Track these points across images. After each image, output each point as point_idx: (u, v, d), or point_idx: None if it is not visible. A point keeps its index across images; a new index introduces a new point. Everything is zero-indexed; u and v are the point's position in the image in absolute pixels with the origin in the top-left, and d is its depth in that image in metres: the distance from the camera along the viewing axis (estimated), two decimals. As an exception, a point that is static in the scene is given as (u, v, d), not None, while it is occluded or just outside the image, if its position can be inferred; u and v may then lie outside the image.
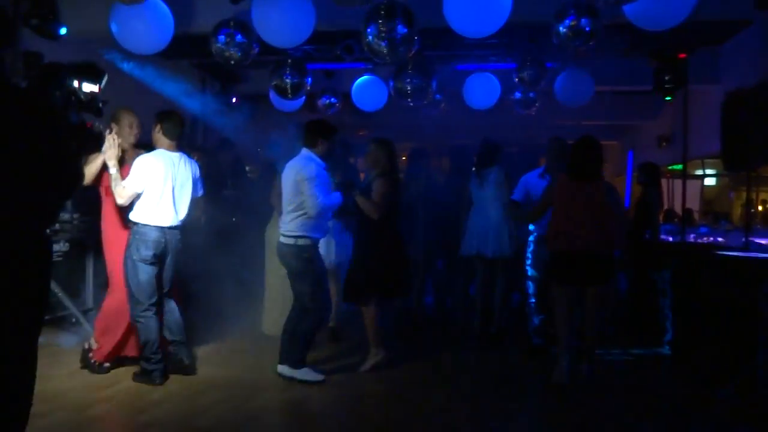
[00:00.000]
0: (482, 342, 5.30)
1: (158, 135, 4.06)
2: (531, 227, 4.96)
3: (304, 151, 4.19)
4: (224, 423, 3.45)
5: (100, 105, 2.87)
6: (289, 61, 6.27)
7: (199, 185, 4.25)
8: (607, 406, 3.90)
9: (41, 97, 2.21)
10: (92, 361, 4.19)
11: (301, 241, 4.05)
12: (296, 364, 4.08)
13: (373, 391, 4.05)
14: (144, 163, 3.93)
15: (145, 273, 3.94)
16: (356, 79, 7.20)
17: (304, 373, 4.08)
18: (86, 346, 4.28)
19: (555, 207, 4.19)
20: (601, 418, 3.68)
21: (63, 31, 4.44)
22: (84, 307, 5.58)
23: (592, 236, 4.05)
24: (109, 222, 4.21)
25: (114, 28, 4.49)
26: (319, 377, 4.10)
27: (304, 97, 7.09)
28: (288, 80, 6.37)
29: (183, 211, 4.10)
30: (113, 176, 3.84)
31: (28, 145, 2.00)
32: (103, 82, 3.32)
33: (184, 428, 3.36)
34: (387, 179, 4.33)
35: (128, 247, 3.97)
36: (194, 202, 4.19)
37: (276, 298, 5.08)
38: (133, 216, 3.97)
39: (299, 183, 4.02)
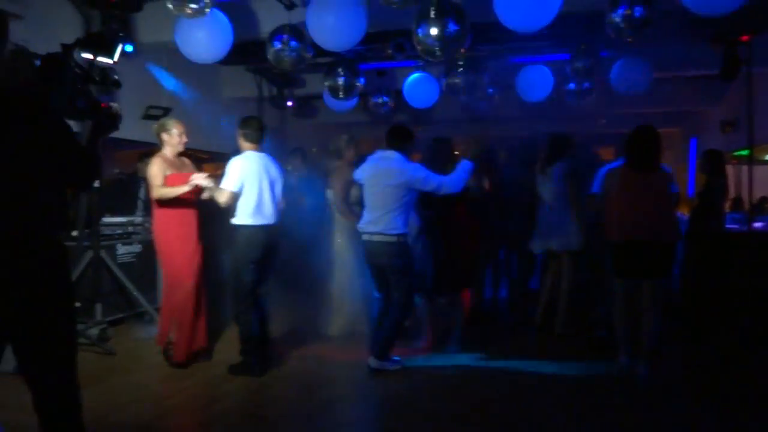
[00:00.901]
0: (545, 335, 5.28)
1: (241, 140, 4.27)
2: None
3: (391, 153, 4.28)
4: (294, 413, 3.62)
5: (116, 78, 2.70)
6: (342, 62, 6.41)
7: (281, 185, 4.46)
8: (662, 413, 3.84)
9: (36, 96, 2.12)
10: (173, 359, 4.42)
11: (402, 239, 4.23)
12: (385, 356, 4.29)
13: (440, 381, 4.15)
14: (236, 165, 4.13)
15: (250, 273, 4.15)
16: (408, 77, 7.28)
17: (393, 364, 4.30)
18: (167, 341, 4.51)
19: (614, 197, 4.13)
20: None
21: (129, 48, 4.74)
22: (156, 305, 5.91)
23: (653, 227, 4.00)
24: (160, 225, 4.39)
25: (178, 39, 4.74)
26: (403, 364, 4.35)
27: (357, 97, 7.22)
28: (341, 81, 6.54)
29: (277, 210, 4.29)
30: (211, 188, 4.11)
31: (27, 146, 1.98)
32: (117, 53, 3.14)
33: (255, 418, 3.55)
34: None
35: (233, 246, 4.19)
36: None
37: (343, 300, 5.21)
38: (235, 220, 4.17)
39: (412, 183, 4.15)
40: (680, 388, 4.06)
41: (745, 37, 6.17)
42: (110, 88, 3.12)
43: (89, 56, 2.68)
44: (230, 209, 4.20)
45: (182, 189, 4.18)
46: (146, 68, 6.52)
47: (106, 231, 5.52)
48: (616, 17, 4.23)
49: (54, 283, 2.06)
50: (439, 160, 4.63)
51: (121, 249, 5.72)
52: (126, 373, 4.33)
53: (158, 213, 4.37)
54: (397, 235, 4.20)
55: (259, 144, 4.26)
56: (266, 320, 4.38)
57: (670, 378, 4.21)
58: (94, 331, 4.89)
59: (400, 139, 4.33)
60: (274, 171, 4.32)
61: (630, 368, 4.12)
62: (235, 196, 4.11)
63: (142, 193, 6.43)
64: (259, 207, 4.16)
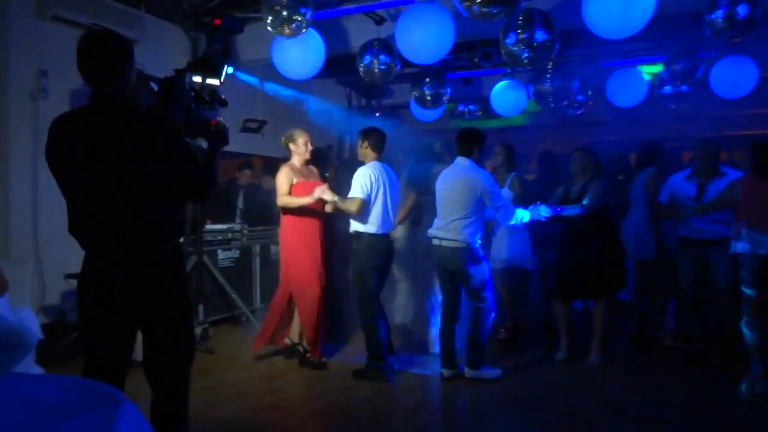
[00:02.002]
0: (634, 345, 5.13)
1: (366, 150, 4.43)
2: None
3: (464, 160, 4.34)
4: (381, 414, 3.74)
5: (223, 97, 2.93)
6: (429, 72, 6.51)
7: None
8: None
9: (159, 115, 2.38)
10: (310, 358, 4.65)
11: (472, 246, 4.27)
12: (477, 365, 4.34)
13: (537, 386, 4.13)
14: (365, 174, 4.32)
15: (374, 279, 4.32)
16: (495, 84, 7.26)
17: (487, 372, 4.34)
18: (288, 342, 4.79)
19: (744, 206, 3.98)
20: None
21: (230, 70, 5.10)
22: (252, 307, 6.25)
23: None
24: (286, 232, 4.66)
25: (274, 58, 5.02)
26: (499, 372, 4.38)
27: (444, 106, 7.29)
28: (428, 91, 6.64)
29: (394, 218, 4.48)
30: (338, 202, 4.33)
31: (151, 161, 2.18)
32: (223, 75, 3.34)
33: (348, 417, 3.70)
34: (602, 181, 4.69)
35: (357, 256, 4.39)
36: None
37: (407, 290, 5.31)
38: (359, 228, 4.36)
39: (483, 196, 4.21)
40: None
41: None
42: (217, 107, 3.36)
43: (199, 79, 2.94)
44: (347, 218, 4.41)
45: (305, 200, 4.40)
46: (242, 84, 6.91)
47: (208, 237, 5.90)
48: (716, 18, 4.05)
49: (172, 284, 2.28)
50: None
51: (221, 254, 6.08)
52: (225, 371, 4.61)
53: (284, 220, 4.64)
54: (469, 243, 4.22)
55: (380, 153, 4.43)
56: (389, 326, 4.52)
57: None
58: (197, 331, 5.25)
59: (469, 143, 4.35)
60: (394, 181, 4.49)
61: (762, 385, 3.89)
62: (366, 205, 4.27)
63: (240, 202, 6.81)
64: (382, 215, 4.32)
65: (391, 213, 4.40)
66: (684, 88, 6.88)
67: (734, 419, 3.63)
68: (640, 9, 3.85)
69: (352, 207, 4.25)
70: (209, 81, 2.88)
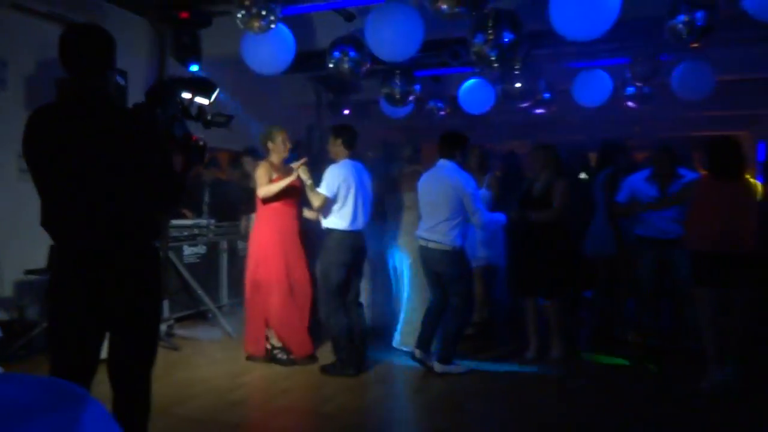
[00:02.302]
0: (598, 341, 5.25)
1: (338, 147, 4.44)
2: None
3: (446, 162, 4.41)
4: (346, 409, 3.76)
5: (209, 117, 2.98)
6: (398, 70, 6.53)
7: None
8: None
9: (145, 114, 2.33)
10: (282, 357, 4.62)
11: (458, 248, 4.34)
12: (448, 360, 4.41)
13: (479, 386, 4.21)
14: (335, 171, 4.34)
15: (339, 276, 4.32)
16: (463, 83, 7.33)
17: (456, 368, 4.42)
18: (268, 347, 4.70)
19: (697, 207, 4.09)
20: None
21: (195, 68, 5.07)
22: (219, 303, 6.20)
23: (738, 236, 3.94)
24: (260, 226, 4.65)
25: (244, 53, 4.97)
26: (468, 368, 4.46)
27: (413, 103, 7.32)
28: (397, 88, 6.66)
29: (367, 215, 4.48)
30: (309, 186, 4.31)
31: (133, 160, 2.16)
32: (213, 97, 3.40)
33: (313, 413, 3.72)
34: (565, 181, 4.72)
35: (324, 251, 4.38)
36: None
37: (416, 309, 5.07)
38: (328, 223, 4.38)
39: (461, 196, 4.27)
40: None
41: (815, 39, 5.93)
42: (203, 125, 3.40)
43: (188, 95, 2.99)
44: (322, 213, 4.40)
45: (286, 181, 4.41)
46: (210, 78, 6.83)
47: (174, 233, 5.83)
48: (677, 24, 4.18)
49: (146, 285, 2.27)
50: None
51: (187, 250, 6.02)
52: (190, 368, 4.58)
53: (259, 218, 4.65)
54: (454, 245, 4.31)
55: (351, 150, 4.45)
56: (360, 321, 4.50)
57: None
58: (162, 328, 5.19)
59: (452, 146, 4.42)
60: (366, 178, 4.50)
61: (725, 383, 4.00)
62: (329, 202, 4.29)
63: (206, 197, 6.74)
64: (351, 212, 4.34)
65: (362, 211, 4.40)
66: (646, 89, 7.06)
67: (691, 412, 3.76)
68: (604, 12, 3.94)
69: (316, 201, 4.28)
70: (198, 99, 2.92)
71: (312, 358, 4.66)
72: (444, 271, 4.36)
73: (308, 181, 4.32)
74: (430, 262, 4.42)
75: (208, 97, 3.21)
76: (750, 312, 4.15)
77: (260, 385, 4.24)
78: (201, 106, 2.77)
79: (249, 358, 4.70)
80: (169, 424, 3.40)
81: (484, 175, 5.33)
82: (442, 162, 4.43)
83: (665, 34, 4.52)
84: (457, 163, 4.40)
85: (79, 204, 2.14)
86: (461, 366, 4.45)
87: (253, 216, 5.86)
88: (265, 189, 4.50)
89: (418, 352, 4.45)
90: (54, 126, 2.15)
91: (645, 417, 3.68)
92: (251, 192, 5.72)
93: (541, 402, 3.94)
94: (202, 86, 3.03)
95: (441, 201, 4.31)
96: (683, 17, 4.13)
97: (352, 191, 4.34)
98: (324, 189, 4.30)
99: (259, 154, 5.84)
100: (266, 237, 4.59)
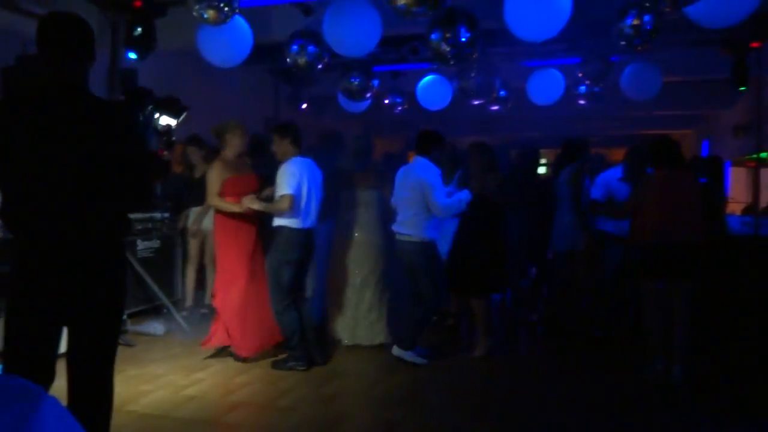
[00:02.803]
0: (554, 333, 5.40)
1: (286, 146, 4.37)
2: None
3: (420, 158, 4.55)
4: (304, 402, 3.79)
5: (173, 139, 3.00)
6: (356, 65, 6.55)
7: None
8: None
9: (127, 112, 2.35)
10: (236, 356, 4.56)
11: (427, 240, 4.47)
12: (406, 346, 4.51)
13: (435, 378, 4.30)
14: (290, 169, 4.29)
15: (290, 273, 4.31)
16: (421, 79, 7.40)
17: (412, 356, 4.51)
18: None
19: (644, 202, 4.22)
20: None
21: (132, 56, 5.01)
22: (174, 298, 6.11)
23: (686, 226, 4.08)
24: (219, 222, 4.57)
25: (200, 44, 4.90)
26: (424, 361, 4.53)
27: (371, 98, 7.35)
28: (355, 83, 6.68)
29: (317, 212, 4.46)
30: (266, 208, 4.30)
31: (109, 153, 2.14)
32: (182, 118, 3.38)
33: (268, 407, 3.73)
34: (496, 176, 4.78)
35: (274, 249, 4.34)
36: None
37: (356, 304, 5.09)
38: (280, 221, 4.31)
39: (424, 189, 4.38)
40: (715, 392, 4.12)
41: (755, 44, 6.23)
42: (166, 144, 3.38)
43: (156, 114, 2.99)
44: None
45: (234, 209, 4.36)
46: (161, 68, 6.69)
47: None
48: (625, 26, 4.33)
49: (110, 285, 2.25)
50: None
51: (141, 244, 5.91)
52: (144, 364, 4.51)
53: (217, 216, 4.57)
54: (423, 238, 4.44)
55: (300, 148, 4.40)
56: (308, 316, 4.52)
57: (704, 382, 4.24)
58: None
59: (425, 144, 4.57)
60: (318, 176, 4.48)
61: (664, 373, 4.16)
62: (295, 200, 4.22)
63: (158, 190, 6.60)
64: (304, 210, 4.32)
65: (314, 208, 4.40)
66: (597, 88, 7.28)
67: (634, 399, 3.94)
68: (556, 14, 4.06)
69: (283, 205, 4.22)
70: (165, 119, 2.92)
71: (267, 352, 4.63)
72: (413, 261, 4.49)
73: (263, 207, 4.30)
74: (403, 255, 4.55)
75: (176, 117, 3.22)
76: (694, 303, 4.29)
77: (217, 380, 4.22)
78: (168, 127, 2.81)
79: (244, 360, 4.53)
80: (124, 421, 3.36)
81: (453, 172, 5.31)
82: (417, 158, 4.59)
83: (615, 36, 4.69)
84: (430, 159, 4.51)
85: (48, 196, 2.09)
86: (418, 358, 4.53)
87: (195, 211, 5.80)
88: (214, 202, 4.43)
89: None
90: (26, 116, 2.10)
91: (592, 404, 3.83)
92: (195, 184, 5.62)
93: (495, 393, 4.05)
94: (171, 107, 3.06)
95: (411, 195, 4.46)
96: (631, 20, 4.29)
97: (305, 189, 4.31)
98: (286, 189, 4.23)
99: (205, 142, 5.74)
100: (223, 234, 4.53)
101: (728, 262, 5.16)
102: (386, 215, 5.02)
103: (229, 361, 4.54)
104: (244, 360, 4.51)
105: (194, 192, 5.62)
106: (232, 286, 4.48)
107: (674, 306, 4.17)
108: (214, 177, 4.42)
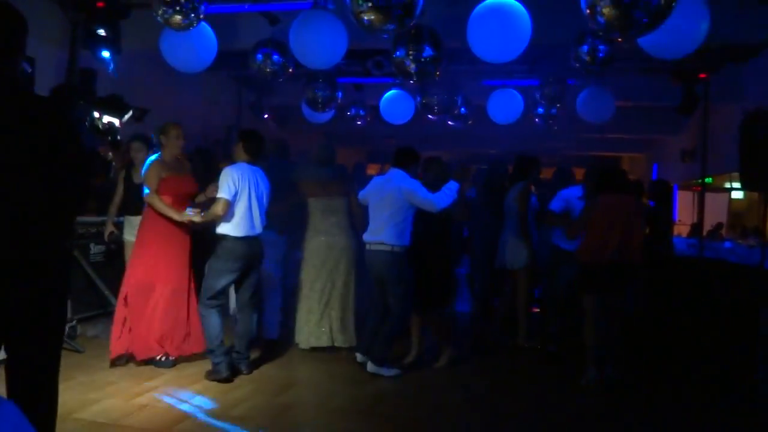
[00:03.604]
0: (500, 350, 5.50)
1: (239, 151, 4.35)
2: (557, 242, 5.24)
3: (396, 170, 4.61)
4: (257, 412, 3.77)
5: (118, 138, 2.82)
6: (321, 75, 6.60)
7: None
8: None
9: (62, 109, 2.22)
10: (164, 360, 4.51)
11: (397, 249, 4.47)
12: (381, 362, 4.51)
13: (396, 389, 4.34)
14: (226, 173, 4.22)
15: (225, 280, 4.25)
16: (385, 93, 7.51)
17: (388, 370, 4.52)
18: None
19: (593, 223, 4.45)
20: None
21: (106, 54, 4.93)
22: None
23: (630, 248, 4.37)
24: (146, 222, 4.49)
25: (163, 48, 4.87)
26: (397, 372, 4.56)
27: (334, 110, 7.41)
28: (319, 93, 6.73)
29: (263, 221, 4.37)
30: (203, 219, 4.26)
31: (43, 151, 2.03)
32: (125, 117, 3.23)
33: (221, 416, 3.69)
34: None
35: (215, 256, 4.26)
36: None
37: (312, 310, 5.15)
38: (221, 229, 4.24)
39: (406, 196, 4.42)
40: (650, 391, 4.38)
41: (702, 75, 6.58)
42: (110, 142, 3.21)
43: (97, 114, 2.84)
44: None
45: (173, 216, 4.30)
46: (124, 70, 6.61)
47: (80, 230, 5.56)
48: (581, 53, 4.52)
49: (52, 294, 2.15)
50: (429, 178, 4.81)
51: (94, 248, 5.77)
52: (94, 370, 4.40)
53: (146, 213, 4.48)
54: (393, 245, 4.45)
55: (254, 157, 4.35)
56: (246, 335, 4.42)
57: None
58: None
59: (405, 159, 4.65)
60: (263, 184, 4.39)
61: (599, 378, 4.43)
62: (230, 204, 4.16)
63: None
64: (245, 217, 4.23)
65: (256, 216, 4.31)
66: (553, 110, 7.53)
67: (581, 408, 4.07)
68: (516, 37, 4.21)
69: (217, 209, 4.16)
70: (108, 119, 2.77)
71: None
72: (383, 272, 4.50)
73: (202, 220, 4.28)
74: (373, 265, 4.57)
75: (119, 116, 3.07)
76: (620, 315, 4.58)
77: (169, 388, 4.14)
78: (111, 125, 2.66)
79: (114, 363, 4.47)
80: (72, 430, 3.28)
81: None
82: (393, 170, 4.64)
83: (571, 61, 4.89)
84: (407, 173, 4.59)
85: None
86: (392, 370, 4.55)
87: (110, 221, 5.33)
88: (151, 199, 4.35)
89: (360, 357, 4.63)
90: None
91: (540, 409, 3.94)
92: (135, 188, 5.09)
93: (449, 403, 4.11)
94: (113, 106, 2.89)
95: (385, 204, 4.49)
96: (587, 47, 4.47)
97: (244, 195, 4.22)
98: (221, 193, 4.16)
99: (151, 142, 5.56)
100: (151, 237, 4.45)
101: (673, 282, 5.39)
102: (353, 222, 5.14)
103: (183, 369, 4.48)
104: (143, 363, 4.47)
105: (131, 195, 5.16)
106: (146, 291, 4.40)
107: (608, 318, 4.49)
108: (152, 175, 4.35)
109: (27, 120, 2.03)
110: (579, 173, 6.99)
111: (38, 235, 2.08)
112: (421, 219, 4.59)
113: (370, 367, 4.53)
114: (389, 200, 4.49)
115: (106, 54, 5.04)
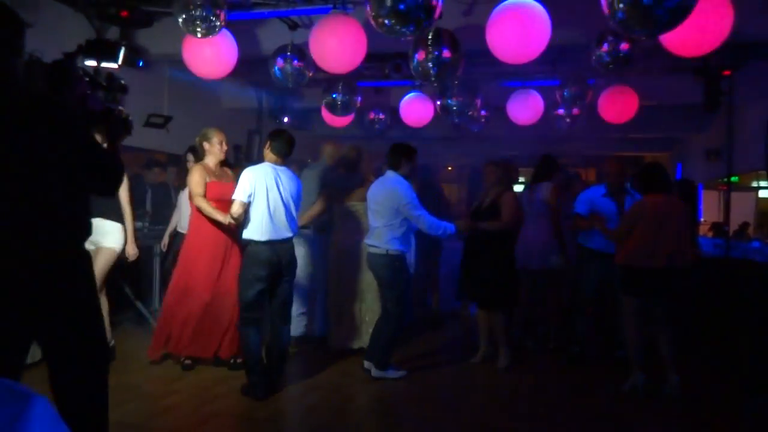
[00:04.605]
0: (523, 351, 5.46)
1: (267, 151, 4.27)
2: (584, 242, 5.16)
3: (391, 173, 4.58)
4: (282, 414, 3.80)
5: (122, 82, 2.72)
6: (340, 80, 6.63)
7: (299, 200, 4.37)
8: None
9: (56, 99, 2.13)
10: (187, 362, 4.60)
11: (392, 252, 4.46)
12: (384, 366, 4.52)
13: (409, 391, 4.34)
14: (244, 175, 4.11)
15: (255, 290, 4.04)
16: (404, 96, 7.52)
17: (392, 373, 4.54)
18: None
19: (638, 227, 4.28)
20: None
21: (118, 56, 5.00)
22: (151, 307, 6.07)
23: (679, 251, 4.19)
24: (192, 229, 4.56)
25: (186, 55, 4.94)
26: (404, 373, 4.59)
27: (354, 113, 7.44)
28: (339, 97, 6.77)
29: (292, 224, 4.21)
30: (222, 220, 4.23)
31: (56, 151, 2.00)
32: (120, 58, 3.05)
33: (246, 418, 3.73)
34: (512, 193, 4.82)
35: (243, 263, 4.19)
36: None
37: (359, 309, 5.17)
38: (245, 234, 4.13)
39: (400, 207, 4.41)
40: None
41: (726, 72, 6.47)
42: (117, 93, 3.16)
43: (93, 63, 2.70)
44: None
45: (219, 218, 4.26)
46: (147, 78, 6.72)
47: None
48: (601, 53, 4.48)
49: (78, 292, 2.13)
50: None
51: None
52: (121, 373, 4.47)
53: (195, 217, 4.51)
54: (388, 249, 4.45)
55: (282, 157, 4.22)
56: (278, 339, 4.22)
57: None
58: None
59: (397, 157, 4.59)
60: (289, 185, 4.19)
61: (646, 385, 4.29)
62: (246, 207, 4.08)
63: (148, 202, 6.59)
64: (264, 222, 4.06)
65: (280, 219, 4.10)
66: (575, 110, 7.47)
67: (613, 414, 4.02)
68: (536, 38, 4.19)
69: (232, 210, 4.09)
70: (105, 65, 2.65)
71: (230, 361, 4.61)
72: (379, 274, 4.53)
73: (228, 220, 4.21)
74: (372, 267, 4.60)
75: (115, 59, 2.92)
76: (673, 320, 4.40)
77: (194, 390, 4.20)
78: (110, 73, 2.56)
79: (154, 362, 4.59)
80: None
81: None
82: (388, 172, 4.62)
83: (591, 60, 4.85)
84: (401, 174, 4.56)
85: None
86: (398, 372, 4.57)
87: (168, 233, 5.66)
88: (198, 202, 4.37)
89: (368, 364, 4.59)
90: None
91: (573, 415, 3.90)
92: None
93: (472, 404, 4.10)
94: (104, 48, 2.73)
95: (381, 208, 4.50)
96: (608, 46, 4.43)
97: (262, 198, 4.06)
98: (236, 195, 4.08)
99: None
100: (198, 241, 4.49)
101: (699, 283, 5.30)
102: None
103: (207, 372, 4.53)
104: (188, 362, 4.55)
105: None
106: (191, 298, 4.44)
107: (657, 324, 4.31)
108: (197, 178, 4.38)
109: (35, 120, 2.01)
110: (585, 173, 6.94)
111: (58, 234, 2.06)
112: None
113: (375, 372, 4.52)
114: (383, 204, 4.49)
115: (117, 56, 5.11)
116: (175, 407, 3.88)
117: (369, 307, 5.10)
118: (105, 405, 2.23)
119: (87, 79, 2.35)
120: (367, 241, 4.62)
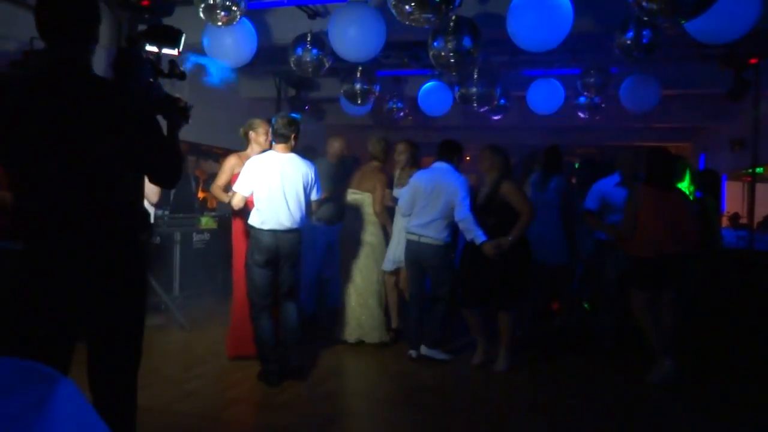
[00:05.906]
0: (537, 346, 5.39)
1: (273, 138, 4.23)
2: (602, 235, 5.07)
3: (443, 165, 4.67)
4: (300, 400, 3.85)
5: (182, 69, 2.68)
6: (360, 69, 6.62)
7: (317, 187, 4.24)
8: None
9: (125, 87, 2.13)
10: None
11: (447, 243, 4.66)
12: (434, 344, 4.70)
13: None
14: (249, 165, 4.06)
15: (259, 276, 4.04)
16: (423, 85, 7.48)
17: (440, 353, 4.71)
18: None
19: (640, 216, 4.28)
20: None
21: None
22: (172, 295, 6.16)
23: (681, 237, 4.21)
24: (236, 228, 4.54)
25: (206, 43, 4.97)
26: (450, 356, 4.76)
27: (372, 102, 7.43)
28: (358, 87, 6.75)
29: (297, 214, 4.08)
30: (224, 199, 4.32)
31: (121, 137, 1.99)
32: (182, 44, 3.06)
33: (265, 404, 3.78)
34: (511, 182, 4.55)
35: (247, 249, 4.19)
36: (309, 206, 4.25)
37: (360, 304, 5.14)
38: (249, 221, 4.11)
39: (454, 200, 4.47)
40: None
41: (753, 60, 6.33)
42: (177, 80, 3.13)
43: (154, 49, 2.67)
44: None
45: (225, 199, 4.31)
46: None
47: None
48: (625, 40, 4.41)
49: (130, 290, 2.13)
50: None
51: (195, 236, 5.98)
52: (143, 357, 4.53)
53: (235, 222, 4.52)
54: (444, 240, 4.61)
55: (285, 143, 4.10)
56: (290, 328, 4.18)
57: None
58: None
59: (451, 152, 4.70)
60: (296, 174, 4.07)
61: (676, 372, 4.26)
62: (245, 199, 4.08)
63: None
64: (268, 211, 4.01)
65: (284, 209, 4.02)
66: (596, 99, 7.37)
67: (636, 406, 4.00)
68: (558, 25, 4.14)
69: (232, 202, 4.13)
70: (166, 51, 2.61)
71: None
72: (433, 264, 4.65)
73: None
74: (420, 256, 4.67)
75: (176, 46, 2.92)
76: (678, 307, 4.41)
77: (214, 375, 4.26)
78: (172, 60, 2.55)
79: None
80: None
81: (412, 173, 5.04)
82: (439, 164, 4.67)
83: (614, 48, 4.77)
84: (453, 166, 4.65)
85: (55, 191, 1.95)
86: (445, 354, 4.72)
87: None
88: (213, 190, 4.46)
89: (414, 353, 4.69)
90: (26, 100, 1.94)
91: (599, 408, 3.89)
92: None
93: (491, 394, 4.10)
94: (167, 34, 2.74)
95: (436, 200, 4.55)
96: (631, 34, 4.36)
97: (266, 186, 3.99)
98: (237, 187, 4.06)
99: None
100: (239, 232, 4.49)
101: (722, 275, 5.23)
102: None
103: (226, 358, 4.59)
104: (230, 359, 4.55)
105: None
106: (237, 285, 4.46)
107: (662, 313, 4.32)
108: (226, 168, 4.42)
109: (100, 105, 2.00)
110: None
111: (115, 227, 2.05)
112: (500, 215, 4.45)
113: (424, 349, 4.66)
114: (439, 197, 4.53)
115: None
116: (197, 392, 3.94)
117: (377, 302, 5.12)
118: (134, 394, 2.26)
119: (151, 67, 2.33)
120: (417, 230, 4.63)
